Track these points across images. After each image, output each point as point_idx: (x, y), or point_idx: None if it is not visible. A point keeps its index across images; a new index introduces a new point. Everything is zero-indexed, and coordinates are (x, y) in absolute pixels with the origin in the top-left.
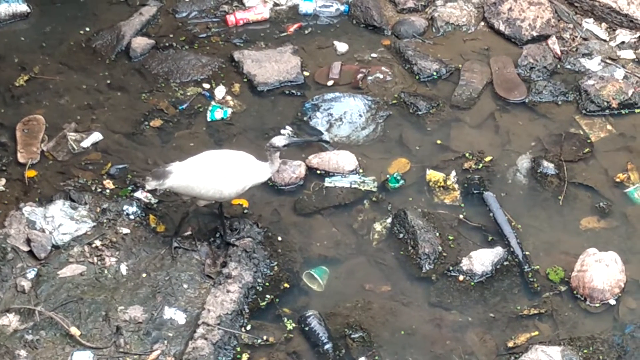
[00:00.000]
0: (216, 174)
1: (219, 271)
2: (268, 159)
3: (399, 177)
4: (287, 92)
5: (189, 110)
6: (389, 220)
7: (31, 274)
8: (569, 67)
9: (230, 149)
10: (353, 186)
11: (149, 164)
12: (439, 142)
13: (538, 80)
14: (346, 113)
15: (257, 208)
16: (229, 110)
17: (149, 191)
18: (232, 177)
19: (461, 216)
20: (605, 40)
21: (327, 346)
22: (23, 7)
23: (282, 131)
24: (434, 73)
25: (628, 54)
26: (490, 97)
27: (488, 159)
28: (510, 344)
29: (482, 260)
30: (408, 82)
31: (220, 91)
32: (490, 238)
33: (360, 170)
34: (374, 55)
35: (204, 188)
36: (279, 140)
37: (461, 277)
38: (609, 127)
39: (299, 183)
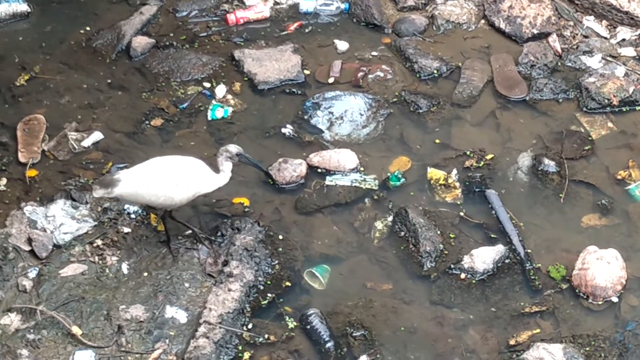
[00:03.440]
0: (166, 180)
1: (220, 270)
2: (220, 168)
3: (400, 176)
4: (287, 90)
5: (189, 109)
6: (390, 218)
7: (32, 274)
8: (569, 64)
9: (177, 154)
10: (354, 184)
11: None
12: (439, 140)
13: (539, 78)
14: (347, 111)
15: (258, 206)
16: (230, 109)
17: (97, 199)
18: (183, 183)
19: (462, 214)
20: (605, 38)
21: (328, 345)
22: (23, 7)
23: (283, 129)
24: (435, 71)
25: (629, 52)
26: (491, 95)
27: (489, 156)
28: (512, 342)
29: (483, 258)
30: (409, 80)
31: (220, 90)
32: (491, 236)
33: (361, 169)
34: (374, 53)
35: (154, 195)
36: (234, 148)
37: (463, 275)
38: (609, 124)
39: (300, 182)
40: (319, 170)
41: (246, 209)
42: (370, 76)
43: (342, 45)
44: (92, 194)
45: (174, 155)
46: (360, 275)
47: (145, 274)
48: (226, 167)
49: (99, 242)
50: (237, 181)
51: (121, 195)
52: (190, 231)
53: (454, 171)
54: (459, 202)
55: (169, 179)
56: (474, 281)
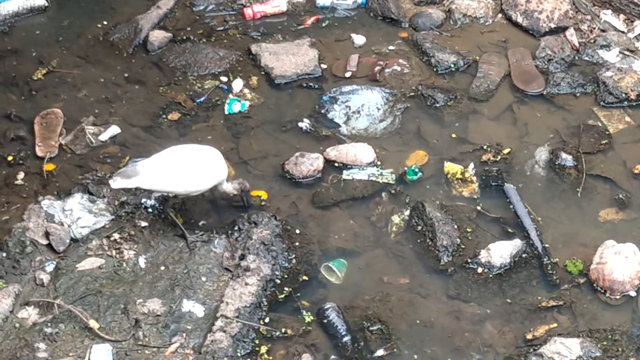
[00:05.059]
0: (188, 168)
1: (237, 264)
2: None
3: (416, 170)
4: (304, 85)
5: (206, 103)
6: (407, 212)
7: (50, 267)
8: (587, 58)
9: (197, 144)
10: (371, 179)
11: None
12: (456, 134)
13: (556, 72)
14: (364, 106)
15: (275, 201)
16: (247, 103)
17: (114, 192)
18: (204, 171)
19: (479, 208)
20: (623, 32)
21: (345, 338)
22: (41, 1)
23: (300, 124)
24: (452, 65)
25: None
26: (508, 89)
27: (506, 151)
28: (529, 336)
29: (500, 252)
30: (426, 75)
31: (237, 84)
32: (508, 230)
33: (378, 163)
34: (391, 47)
35: (176, 183)
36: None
37: (480, 270)
38: (627, 118)
39: (317, 176)
40: (336, 164)
41: (263, 203)
42: (387, 70)
43: (359, 39)
44: (110, 186)
45: (192, 144)
46: (377, 270)
47: (163, 267)
48: (228, 189)
49: (116, 236)
50: (254, 175)
51: (142, 185)
52: (203, 222)
53: (471, 165)
54: (476, 197)
55: (191, 166)
56: (491, 275)
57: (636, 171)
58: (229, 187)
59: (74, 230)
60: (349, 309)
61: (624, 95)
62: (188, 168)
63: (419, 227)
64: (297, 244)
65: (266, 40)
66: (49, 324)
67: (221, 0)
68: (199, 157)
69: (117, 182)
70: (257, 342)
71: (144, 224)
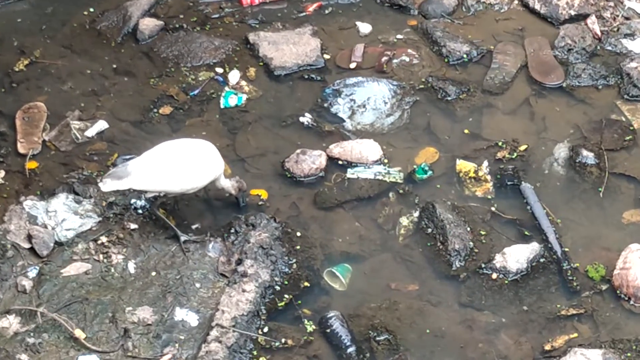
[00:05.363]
0: (183, 165)
1: (234, 269)
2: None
3: (426, 168)
4: (306, 76)
5: (200, 96)
6: (416, 214)
7: (33, 273)
8: (609, 48)
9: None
10: (377, 177)
11: None
12: (469, 130)
13: (576, 63)
14: (370, 99)
15: (274, 201)
16: (244, 97)
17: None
18: (201, 167)
19: (494, 209)
20: None
21: (350, 349)
22: None
23: (302, 118)
24: (464, 55)
25: None
26: (525, 81)
27: (523, 147)
28: (548, 347)
29: (516, 256)
30: (436, 66)
31: (234, 76)
32: (525, 233)
33: (385, 161)
34: (399, 36)
35: (171, 182)
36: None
37: (494, 275)
38: None
39: (319, 174)
40: (340, 162)
41: (260, 203)
42: (394, 61)
43: (364, 27)
44: (99, 188)
45: (185, 139)
46: (384, 275)
47: (154, 273)
48: (227, 186)
49: (103, 239)
50: (251, 174)
51: (134, 186)
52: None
53: (485, 163)
54: (490, 197)
55: (185, 163)
56: (506, 282)
57: None
58: (227, 184)
59: (58, 233)
60: (354, 317)
61: None
62: (183, 164)
63: (429, 230)
64: (298, 247)
65: (265, 28)
66: (32, 334)
67: None
68: (194, 152)
69: (107, 185)
70: (255, 353)
71: (133, 226)
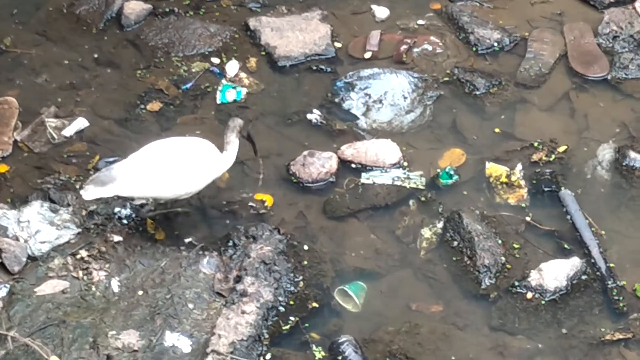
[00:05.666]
0: (176, 167)
1: (232, 288)
2: (227, 145)
3: (452, 172)
4: (314, 67)
5: (194, 90)
6: (440, 224)
7: (2, 292)
8: None
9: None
10: (396, 183)
11: None
12: (500, 128)
13: (623, 52)
14: (387, 93)
15: (278, 210)
16: (243, 91)
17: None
18: (195, 168)
19: (528, 219)
20: None
21: None
22: None
23: (309, 115)
24: (495, 44)
25: None
26: (564, 73)
27: (562, 149)
28: None
29: (554, 273)
30: (463, 55)
31: (232, 67)
32: (565, 246)
33: (405, 164)
34: (420, 22)
35: (163, 188)
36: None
37: (529, 295)
38: None
39: (330, 179)
40: (353, 165)
41: (263, 211)
42: (415, 50)
43: (381, 11)
44: (79, 196)
45: (176, 137)
46: (403, 295)
47: (140, 292)
48: (234, 144)
49: (83, 253)
50: (252, 178)
51: (120, 192)
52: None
53: (519, 166)
54: (524, 205)
55: (179, 165)
56: (543, 302)
57: None
58: (236, 143)
59: (31, 246)
60: (369, 343)
61: None
62: (176, 167)
63: (455, 243)
64: (305, 263)
65: (267, 13)
66: None
67: None
68: (188, 152)
69: (89, 192)
70: None
71: (117, 238)
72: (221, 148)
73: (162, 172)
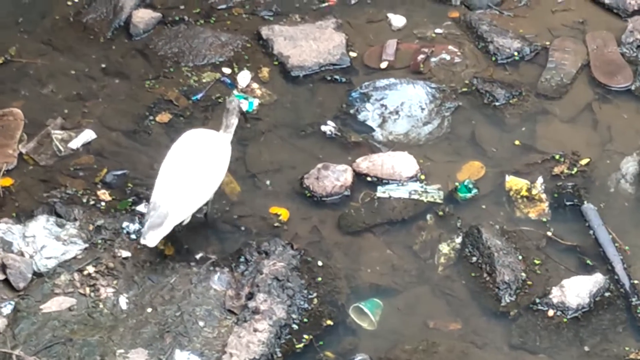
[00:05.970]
0: (205, 165)
1: (244, 305)
2: (227, 127)
3: (470, 186)
4: (328, 77)
5: (204, 101)
6: (459, 239)
7: (7, 309)
8: None
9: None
10: (413, 197)
11: (154, 170)
12: (521, 140)
13: None
14: (404, 104)
15: (291, 225)
16: (256, 101)
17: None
18: (218, 156)
19: (550, 234)
20: None
21: None
22: None
23: (324, 127)
24: (515, 53)
25: None
26: (587, 84)
27: (584, 162)
28: None
29: (577, 290)
30: (482, 65)
31: (244, 77)
32: (587, 262)
33: (422, 177)
34: (438, 31)
35: (206, 194)
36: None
37: (551, 312)
38: None
39: (345, 193)
40: (369, 178)
41: (277, 225)
42: (433, 60)
43: (397, 20)
44: (145, 244)
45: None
46: (420, 312)
47: (149, 309)
48: (232, 126)
49: (90, 269)
50: (264, 192)
51: (177, 222)
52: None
53: (540, 180)
54: (545, 219)
55: (203, 164)
56: (565, 319)
57: None
58: (235, 120)
59: (37, 262)
60: None
61: None
62: (203, 167)
63: (474, 259)
64: (319, 279)
65: (280, 21)
66: None
67: None
68: (202, 149)
69: (152, 238)
70: None
71: (125, 254)
72: (230, 164)
73: (196, 180)
